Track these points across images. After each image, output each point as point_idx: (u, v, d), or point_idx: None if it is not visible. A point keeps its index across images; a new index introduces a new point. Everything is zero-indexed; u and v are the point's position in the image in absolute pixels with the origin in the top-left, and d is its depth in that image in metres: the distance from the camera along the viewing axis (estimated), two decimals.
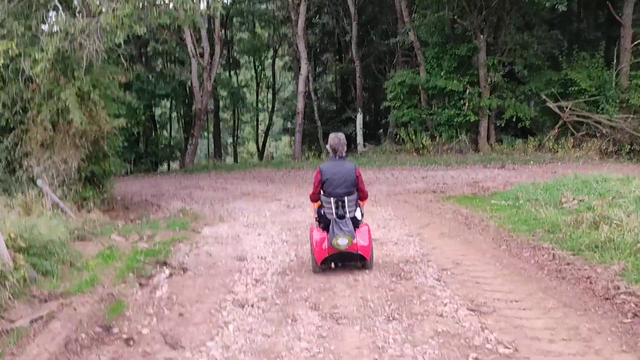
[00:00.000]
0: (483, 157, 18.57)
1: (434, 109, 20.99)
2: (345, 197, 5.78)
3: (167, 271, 6.37)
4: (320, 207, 6.02)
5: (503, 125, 20.44)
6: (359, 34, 25.58)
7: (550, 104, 19.08)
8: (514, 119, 19.98)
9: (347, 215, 5.76)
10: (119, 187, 18.72)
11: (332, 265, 5.91)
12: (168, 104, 27.93)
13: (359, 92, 25.43)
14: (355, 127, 27.40)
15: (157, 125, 26.01)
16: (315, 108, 27.08)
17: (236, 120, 36.15)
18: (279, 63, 38.38)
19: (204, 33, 22.78)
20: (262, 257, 7.05)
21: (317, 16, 29.83)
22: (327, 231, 5.68)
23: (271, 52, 35.93)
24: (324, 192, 5.92)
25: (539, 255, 6.08)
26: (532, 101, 21.42)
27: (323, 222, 5.94)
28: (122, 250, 7.80)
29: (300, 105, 23.29)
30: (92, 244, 8.23)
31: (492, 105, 19.82)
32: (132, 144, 24.69)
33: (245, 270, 6.40)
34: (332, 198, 5.76)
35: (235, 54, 35.06)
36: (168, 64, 24.59)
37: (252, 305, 5.01)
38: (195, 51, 22.45)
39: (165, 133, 29.52)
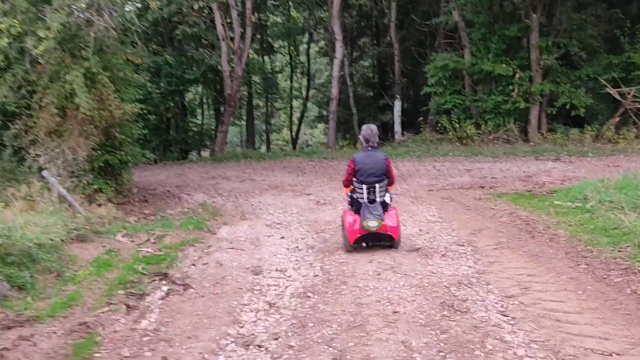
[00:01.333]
0: (534, 148, 16.92)
1: (480, 95, 19.35)
2: (377, 185, 6.35)
3: (165, 288, 5.27)
4: (353, 191, 6.52)
5: (555, 113, 18.66)
6: (398, 16, 24.01)
7: (611, 90, 17.22)
8: (567, 107, 18.19)
9: (377, 200, 6.32)
10: (143, 177, 17.94)
11: (364, 244, 6.47)
12: (199, 90, 26.99)
13: (397, 77, 23.91)
14: (393, 115, 25.93)
15: (187, 112, 25.08)
16: (351, 94, 25.67)
17: (269, 107, 35.03)
18: (314, 48, 37.06)
19: (234, 15, 21.64)
20: (281, 270, 5.87)
21: None
22: (359, 214, 6.25)
23: (306, 37, 34.59)
24: (356, 179, 6.42)
25: (636, 283, 4.68)
26: (585, 88, 19.52)
27: (355, 205, 6.46)
28: (123, 255, 6.77)
29: (334, 90, 21.96)
30: (92, 246, 7.24)
31: (545, 90, 18.09)
32: (161, 131, 23.91)
33: (259, 288, 5.25)
34: (364, 185, 6.33)
35: (269, 38, 33.87)
36: (198, 48, 23.59)
37: (260, 346, 3.83)
38: (226, 34, 21.34)
39: (196, 120, 28.67)
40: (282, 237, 7.62)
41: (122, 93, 10.70)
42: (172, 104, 22.77)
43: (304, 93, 35.64)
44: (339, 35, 21.58)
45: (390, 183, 6.64)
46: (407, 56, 26.25)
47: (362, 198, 6.33)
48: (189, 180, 16.17)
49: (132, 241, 7.60)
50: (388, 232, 6.30)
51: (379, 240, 6.43)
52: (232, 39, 21.89)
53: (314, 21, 33.20)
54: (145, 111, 22.53)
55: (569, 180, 11.93)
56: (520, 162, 15.07)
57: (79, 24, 9.15)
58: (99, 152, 10.60)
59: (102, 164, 10.72)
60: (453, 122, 19.20)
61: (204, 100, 26.29)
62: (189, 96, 26.33)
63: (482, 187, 11.43)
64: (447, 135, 19.70)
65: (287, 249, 6.90)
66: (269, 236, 7.72)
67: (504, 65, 18.16)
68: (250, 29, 22.03)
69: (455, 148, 18.37)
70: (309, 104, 37.81)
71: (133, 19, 9.58)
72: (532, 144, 17.93)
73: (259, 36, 32.64)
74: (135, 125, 11.92)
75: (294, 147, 35.09)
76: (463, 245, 6.49)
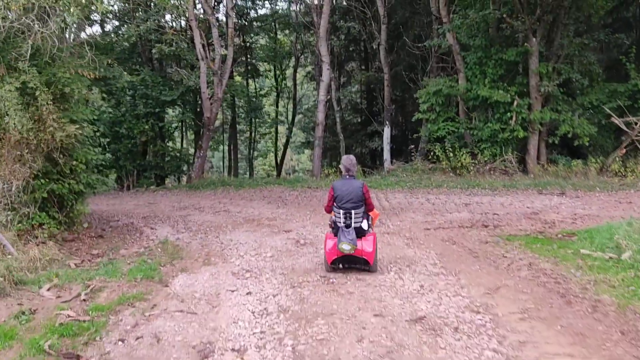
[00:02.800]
0: (535, 181, 15.64)
1: (475, 122, 18.14)
2: (353, 211, 6.67)
3: None
4: (334, 215, 6.84)
5: (557, 142, 17.46)
6: (388, 40, 22.94)
7: (616, 119, 16.07)
8: (569, 135, 17.02)
9: (352, 225, 6.61)
10: (110, 206, 16.36)
11: (340, 266, 6.77)
12: (178, 112, 25.50)
13: (387, 102, 22.70)
14: (382, 142, 24.66)
15: (165, 136, 23.55)
16: (338, 120, 24.46)
17: (253, 132, 33.66)
18: (301, 73, 35.97)
19: (215, 34, 20.38)
20: (238, 351, 4.34)
21: (342, 20, 27.29)
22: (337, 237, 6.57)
23: (293, 61, 33.50)
24: (335, 204, 6.79)
25: None
26: (584, 116, 18.39)
27: (335, 228, 6.78)
28: (37, 319, 5.20)
29: (320, 115, 20.64)
30: (4, 303, 5.68)
31: (545, 119, 16.90)
32: (135, 155, 22.33)
33: None
34: (341, 210, 6.69)
35: (254, 61, 32.69)
36: (177, 68, 22.23)
37: None
38: (205, 53, 20.04)
39: (173, 144, 27.14)
40: (249, 293, 6.08)
41: (72, 112, 9.20)
42: (147, 127, 21.24)
43: (290, 118, 34.43)
44: (325, 57, 20.36)
45: (369, 210, 6.96)
46: (396, 81, 25.17)
47: (340, 222, 6.70)
48: (159, 210, 14.62)
49: (59, 296, 6.02)
50: (364, 257, 6.60)
51: (355, 263, 6.74)
52: (213, 60, 20.57)
53: (301, 45, 32.18)
54: (104, 133, 21.23)
55: (581, 219, 10.60)
56: (522, 196, 13.75)
57: (17, 31, 7.69)
58: (41, 180, 9.05)
59: (44, 195, 9.15)
60: (447, 150, 17.91)
61: (183, 123, 24.77)
62: (167, 118, 24.82)
63: (486, 226, 10.03)
64: (440, 164, 18.41)
65: (253, 312, 5.37)
66: (233, 291, 6.18)
67: (501, 91, 16.99)
68: (232, 49, 20.73)
69: (450, 179, 17.04)
70: (296, 130, 36.57)
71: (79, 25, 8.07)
72: (532, 175, 16.67)
73: (243, 58, 31.49)
74: (90, 150, 10.38)
75: (278, 174, 33.65)
76: (479, 313, 5.01)
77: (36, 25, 7.44)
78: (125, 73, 21.32)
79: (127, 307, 5.56)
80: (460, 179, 16.83)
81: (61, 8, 7.39)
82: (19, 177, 8.22)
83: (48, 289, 6.25)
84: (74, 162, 9.96)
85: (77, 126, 8.60)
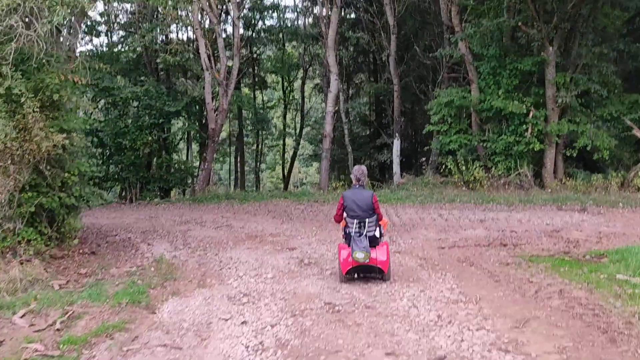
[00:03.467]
0: (554, 196, 14.87)
1: (488, 134, 17.44)
2: (366, 219, 6.75)
3: None
4: (346, 226, 6.89)
5: (575, 155, 16.72)
6: (398, 51, 22.37)
7: (638, 131, 15.32)
8: (587, 148, 16.28)
9: (365, 233, 6.65)
10: (110, 219, 15.77)
11: (355, 275, 6.76)
12: (182, 124, 25.03)
13: (396, 114, 22.08)
14: (391, 155, 24.00)
15: (169, 147, 23.03)
16: (346, 132, 23.85)
17: (260, 144, 33.14)
18: (309, 85, 35.48)
19: (221, 44, 19.90)
20: None
21: (351, 31, 26.77)
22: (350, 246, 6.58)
23: (301, 73, 33.03)
24: (347, 214, 6.83)
25: None
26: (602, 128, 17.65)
27: (348, 239, 6.80)
28: (1, 353, 4.56)
29: (328, 127, 20.04)
30: None
31: (562, 131, 16.18)
32: (138, 167, 21.80)
33: None
34: (355, 220, 6.75)
35: (261, 72, 32.24)
36: (182, 78, 21.80)
37: None
38: (211, 63, 19.55)
39: (178, 156, 26.64)
40: (244, 322, 5.42)
41: (62, 121, 8.63)
42: (150, 138, 20.73)
43: (298, 130, 33.90)
44: (333, 68, 19.80)
45: (379, 219, 7.01)
46: (406, 93, 24.57)
47: (352, 231, 6.72)
48: (159, 225, 14.00)
49: (32, 324, 5.38)
50: (378, 265, 6.64)
51: (370, 272, 6.79)
52: (218, 71, 20.07)
53: (309, 57, 31.72)
54: (107, 144, 20.75)
55: (607, 238, 9.87)
56: (541, 212, 13.00)
57: (0, 33, 7.15)
58: (28, 193, 8.47)
59: (31, 210, 8.55)
60: (459, 164, 17.21)
61: (187, 135, 24.27)
62: (173, 130, 24.31)
63: (504, 245, 9.31)
64: (451, 178, 17.70)
65: (247, 347, 4.70)
66: (227, 319, 5.52)
67: (516, 102, 16.30)
68: (237, 59, 20.24)
69: (462, 193, 16.32)
70: (303, 142, 36.02)
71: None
72: (550, 190, 15.92)
73: (251, 70, 31.07)
74: (83, 162, 9.80)
75: (286, 187, 33.04)
76: (508, 352, 4.31)
77: (20, 27, 6.89)
78: (129, 84, 20.96)
79: (104, 338, 4.92)
80: (473, 193, 16.10)
81: (48, 9, 6.83)
82: (2, 190, 7.64)
83: (22, 315, 5.62)
84: (66, 174, 9.41)
85: (65, 135, 7.99)
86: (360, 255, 6.39)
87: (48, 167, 8.29)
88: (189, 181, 23.58)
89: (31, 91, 7.60)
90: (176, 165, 23.19)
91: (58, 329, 5.20)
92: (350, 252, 6.54)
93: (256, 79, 31.81)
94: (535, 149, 16.42)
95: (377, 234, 6.84)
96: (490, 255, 8.37)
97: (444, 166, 17.89)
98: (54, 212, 9.32)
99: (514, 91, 16.81)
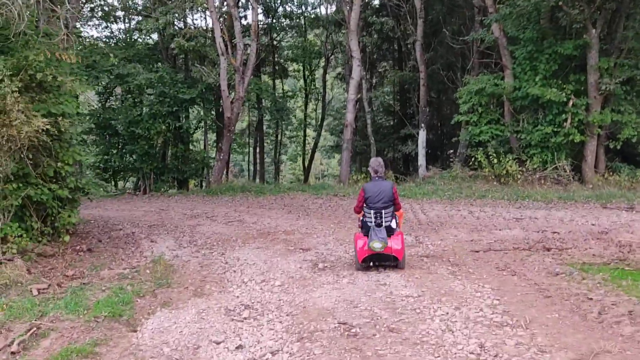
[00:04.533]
0: (596, 193, 13.56)
1: (523, 125, 16.13)
2: (383, 210, 6.89)
3: None
4: (364, 216, 7.09)
5: (618, 148, 15.34)
6: (425, 35, 21.09)
7: None
8: (633, 140, 14.91)
9: (383, 224, 6.83)
10: (119, 211, 15.00)
11: (371, 264, 6.88)
12: (197, 112, 24.13)
13: (422, 103, 20.82)
14: (415, 146, 22.79)
15: (183, 137, 22.15)
16: (369, 122, 22.65)
17: (279, 134, 32.16)
18: (331, 75, 34.32)
19: (237, 28, 18.90)
20: None
21: (375, 16, 25.49)
22: (367, 236, 6.72)
23: (323, 62, 31.90)
24: (366, 205, 6.99)
25: None
26: None
27: (365, 228, 6.98)
28: None
29: (349, 116, 18.92)
30: None
31: (605, 121, 14.81)
32: (152, 157, 21.02)
33: None
34: (372, 210, 6.90)
35: (281, 60, 31.20)
36: (197, 64, 20.89)
37: None
38: (227, 48, 18.57)
39: (195, 147, 25.78)
40: (240, 347, 4.43)
41: (51, 104, 7.74)
42: (164, 127, 19.90)
43: (319, 120, 32.82)
44: (356, 53, 18.65)
45: (397, 209, 7.14)
46: (432, 81, 23.29)
47: (371, 222, 6.87)
48: (168, 218, 13.17)
49: None
50: (393, 254, 6.76)
51: (385, 261, 6.89)
52: (234, 56, 19.09)
53: (332, 45, 30.56)
54: (120, 133, 20.03)
55: None
56: (584, 211, 11.75)
57: None
58: (13, 185, 7.62)
59: (18, 203, 7.70)
60: (490, 156, 15.96)
61: (203, 124, 23.36)
62: (188, 119, 23.45)
63: (548, 250, 8.14)
64: (481, 172, 16.46)
65: None
66: (219, 343, 4.54)
67: (554, 89, 14.96)
68: (255, 44, 19.24)
69: (494, 188, 15.08)
70: (325, 133, 34.92)
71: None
72: (591, 186, 14.59)
73: (271, 58, 30.06)
74: (78, 149, 8.92)
75: (306, 179, 32.06)
76: None
77: None
78: (144, 71, 20.13)
79: None
80: (506, 188, 14.86)
81: None
82: None
83: None
84: (59, 164, 8.55)
85: (49, 120, 7.08)
86: (377, 245, 6.54)
87: (32, 156, 7.40)
88: (205, 172, 22.73)
89: (11, 69, 6.69)
90: (191, 155, 22.30)
91: (13, 352, 4.28)
92: (366, 242, 6.68)
93: (276, 67, 30.80)
94: (575, 141, 15.08)
95: (393, 224, 7.02)
96: (534, 262, 7.22)
97: (473, 159, 16.64)
98: (45, 206, 8.51)
99: (553, 78, 15.45)
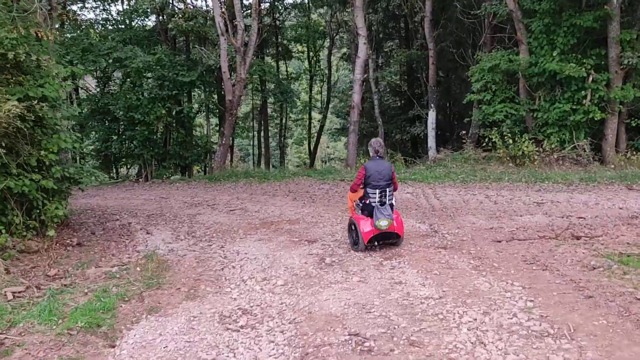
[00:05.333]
0: (619, 173, 12.78)
1: (540, 102, 15.28)
2: (387, 189, 6.98)
3: None
4: (364, 197, 7.08)
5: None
6: (434, 11, 20.13)
7: None
8: None
9: (387, 202, 6.95)
10: (118, 200, 14.38)
11: (376, 243, 7.02)
12: (197, 95, 23.34)
13: (431, 82, 19.95)
14: (424, 127, 21.99)
15: (184, 122, 21.37)
16: (376, 103, 21.83)
17: (284, 118, 31.36)
18: (336, 55, 33.39)
19: (237, 5, 18.02)
20: None
21: None
22: (371, 217, 6.86)
23: (328, 42, 30.97)
24: (367, 185, 7.00)
25: None
26: None
27: (367, 209, 7.00)
28: None
29: (356, 97, 18.09)
30: None
31: (627, 97, 13.95)
32: (153, 143, 20.35)
33: None
34: (377, 189, 6.94)
35: (285, 41, 30.27)
36: (197, 46, 20.06)
37: None
38: (227, 28, 17.73)
39: (199, 132, 25.04)
40: None
41: (28, 87, 7.02)
42: (164, 112, 19.17)
43: (324, 103, 31.96)
44: (362, 30, 17.76)
45: (395, 189, 7.19)
46: (441, 60, 22.35)
47: (375, 201, 6.92)
48: (167, 207, 12.52)
49: None
50: (395, 231, 6.95)
51: (388, 239, 7.05)
52: (235, 36, 18.26)
53: (336, 25, 29.59)
54: (119, 119, 19.36)
55: None
56: (609, 193, 10.98)
57: None
58: None
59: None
60: (506, 136, 15.14)
61: (205, 108, 22.57)
62: (189, 103, 22.68)
63: (577, 238, 7.41)
64: (495, 153, 15.66)
65: None
66: None
67: (573, 64, 14.07)
68: (256, 23, 18.37)
69: (510, 170, 14.30)
70: (330, 115, 34.10)
71: None
72: (613, 166, 13.78)
73: (273, 39, 29.16)
74: (64, 137, 8.21)
75: (312, 163, 31.33)
76: None
77: None
78: (142, 53, 19.37)
79: None
80: (523, 170, 14.08)
81: None
82: None
83: None
84: (42, 152, 7.87)
85: (24, 105, 6.37)
86: (384, 223, 6.69)
87: (10, 143, 6.71)
88: (208, 158, 22.04)
89: None
90: (193, 141, 21.60)
91: None
92: (371, 222, 6.80)
93: (279, 49, 29.90)
94: (595, 119, 14.24)
95: (394, 202, 7.15)
96: (565, 254, 6.50)
97: (487, 139, 15.83)
98: (29, 198, 7.85)
99: (571, 52, 14.55)
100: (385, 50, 29.70)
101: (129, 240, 8.88)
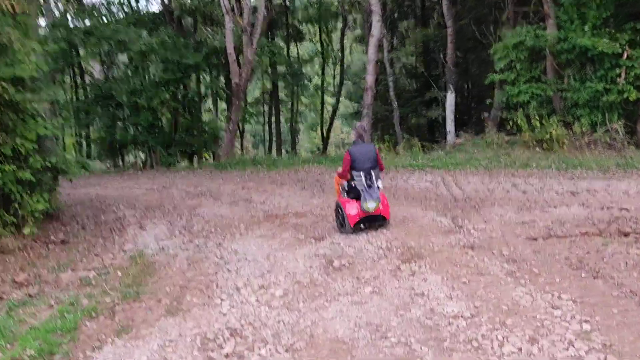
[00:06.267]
0: None
1: (569, 81, 14.10)
2: (372, 171, 6.99)
3: None
4: (350, 181, 7.11)
5: None
6: None
7: None
8: None
9: (374, 185, 6.92)
10: (116, 191, 13.60)
11: (362, 226, 6.97)
12: (202, 79, 22.42)
13: (450, 62, 18.78)
14: (442, 110, 20.84)
15: (191, 107, 20.51)
16: (391, 85, 20.72)
17: (295, 102, 30.33)
18: (349, 36, 32.14)
19: None
20: None
21: None
22: (357, 200, 6.92)
23: (340, 23, 29.79)
24: (354, 168, 7.01)
25: None
26: None
27: (354, 192, 7.03)
28: None
29: (370, 78, 17.02)
30: None
31: None
32: (158, 129, 19.56)
33: None
34: (362, 172, 6.96)
35: (296, 22, 29.15)
36: (202, 26, 19.14)
37: None
38: (233, 6, 16.74)
39: (209, 117, 24.16)
40: None
41: None
42: (168, 96, 18.31)
43: (337, 87, 30.83)
44: (375, 7, 16.64)
45: (382, 169, 7.28)
46: (459, 39, 21.07)
47: (361, 184, 6.93)
48: (168, 198, 11.73)
49: None
50: (382, 214, 7.02)
51: (374, 221, 7.07)
52: (241, 15, 17.26)
53: (349, 4, 28.35)
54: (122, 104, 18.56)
55: None
56: None
57: None
58: None
59: None
60: (533, 118, 14.02)
61: (212, 92, 21.65)
62: (194, 87, 21.78)
63: (625, 235, 6.39)
64: (520, 136, 14.54)
65: None
66: None
67: (606, 40, 12.87)
68: (263, 0, 17.33)
69: (537, 155, 13.20)
70: (343, 99, 32.97)
71: None
72: None
73: (284, 19, 28.06)
74: (42, 123, 7.37)
75: (325, 149, 30.33)
76: None
77: None
78: (146, 35, 18.51)
79: None
80: (552, 155, 12.97)
81: None
82: None
83: None
84: (18, 141, 7.04)
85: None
86: (372, 205, 6.74)
87: None
88: (215, 145, 21.18)
89: None
90: (200, 127, 20.73)
91: None
92: (359, 205, 6.86)
93: (290, 30, 28.79)
94: (630, 99, 13.04)
95: (380, 184, 7.11)
96: (616, 255, 5.51)
97: (512, 122, 14.71)
98: (3, 191, 7.05)
99: (604, 26, 13.32)
100: (400, 30, 28.45)
101: (120, 236, 8.08)
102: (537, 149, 13.80)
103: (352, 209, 6.87)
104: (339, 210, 7.19)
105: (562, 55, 13.95)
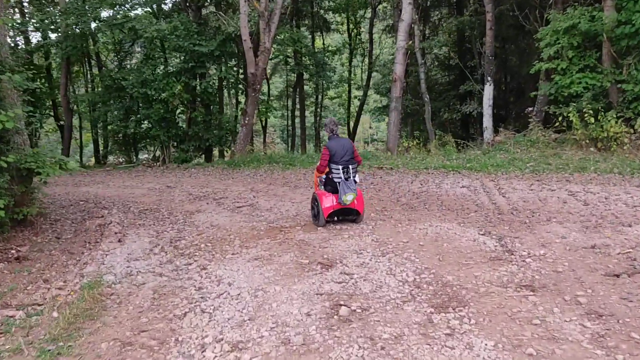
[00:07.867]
0: None
1: (629, 71, 12.18)
2: (350, 165, 7.12)
3: None
4: (328, 174, 7.24)
5: None
6: None
7: None
8: None
9: (351, 178, 7.07)
10: (117, 190, 12.33)
11: (335, 218, 7.26)
12: (216, 68, 20.98)
13: (489, 52, 16.90)
14: (478, 105, 18.95)
15: (204, 99, 19.08)
16: (422, 76, 18.93)
17: (320, 95, 28.74)
18: (378, 27, 30.37)
19: None
20: None
21: None
22: (334, 193, 7.11)
23: (369, 13, 28.05)
24: (332, 162, 7.12)
25: None
26: None
27: (331, 185, 7.18)
28: None
29: (399, 68, 15.30)
30: None
31: None
32: (169, 123, 18.24)
33: None
34: (340, 166, 7.08)
35: (322, 12, 27.53)
36: (214, 11, 17.70)
37: None
38: None
39: (228, 110, 22.78)
40: None
41: None
42: (180, 87, 16.95)
43: (365, 80, 29.12)
44: None
45: (359, 162, 7.32)
46: (497, 26, 19.16)
47: (339, 177, 7.06)
48: (167, 200, 10.39)
49: None
50: (356, 208, 7.15)
51: (348, 215, 7.30)
52: (259, 0, 15.76)
53: None
54: (132, 96, 17.34)
55: None
56: None
57: None
58: None
59: None
60: (587, 114, 12.16)
61: (227, 82, 20.17)
62: (208, 77, 20.39)
63: None
64: (571, 134, 12.70)
65: None
66: None
67: None
68: None
69: (593, 157, 11.35)
70: (374, 95, 31.23)
71: None
72: None
73: (309, 8, 26.47)
74: (4, 113, 5.99)
75: None
76: None
77: None
78: (156, 22, 17.19)
79: None
80: (610, 157, 11.13)
81: None
82: None
83: None
84: None
85: None
86: (350, 197, 6.89)
87: None
88: (227, 140, 19.72)
89: None
90: (214, 120, 19.31)
91: None
92: (334, 198, 7.06)
93: (316, 20, 27.19)
94: None
95: (357, 178, 7.22)
96: None
97: (560, 117, 12.87)
98: None
99: None
100: (433, 19, 26.56)
101: (87, 253, 6.65)
102: (592, 148, 11.97)
103: (327, 202, 7.04)
104: (315, 202, 7.32)
105: (622, 41, 12.07)
